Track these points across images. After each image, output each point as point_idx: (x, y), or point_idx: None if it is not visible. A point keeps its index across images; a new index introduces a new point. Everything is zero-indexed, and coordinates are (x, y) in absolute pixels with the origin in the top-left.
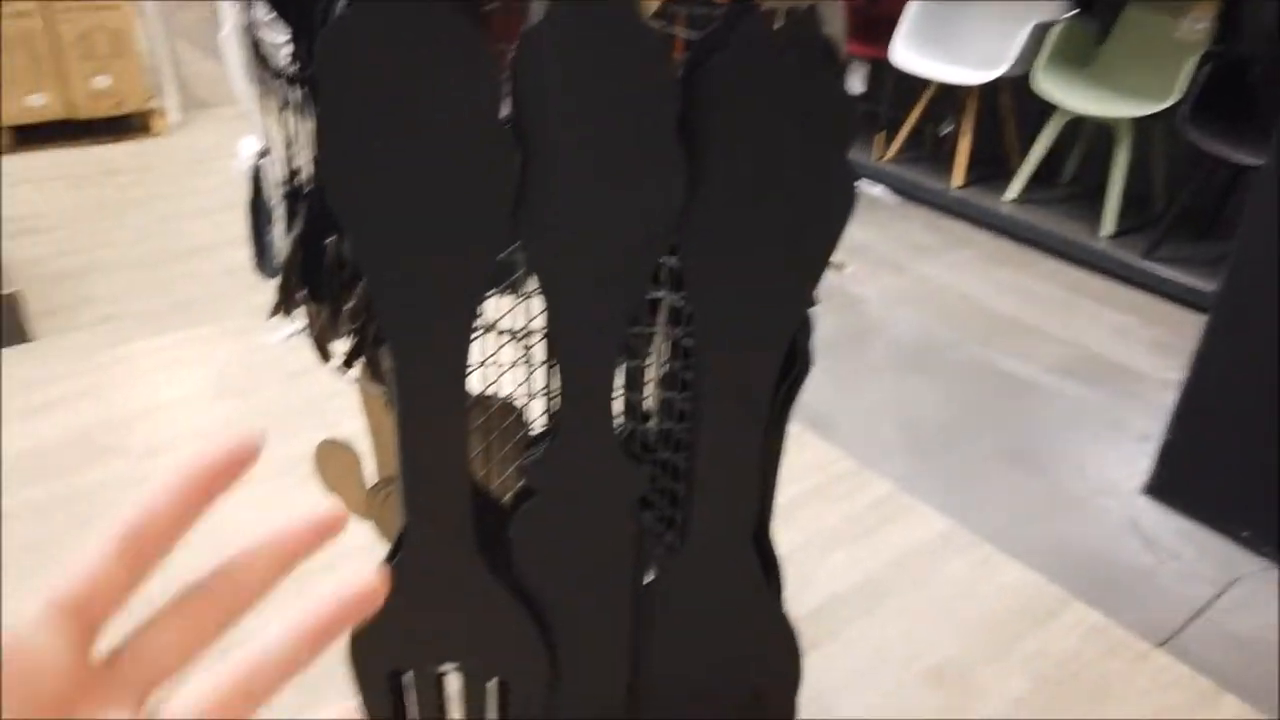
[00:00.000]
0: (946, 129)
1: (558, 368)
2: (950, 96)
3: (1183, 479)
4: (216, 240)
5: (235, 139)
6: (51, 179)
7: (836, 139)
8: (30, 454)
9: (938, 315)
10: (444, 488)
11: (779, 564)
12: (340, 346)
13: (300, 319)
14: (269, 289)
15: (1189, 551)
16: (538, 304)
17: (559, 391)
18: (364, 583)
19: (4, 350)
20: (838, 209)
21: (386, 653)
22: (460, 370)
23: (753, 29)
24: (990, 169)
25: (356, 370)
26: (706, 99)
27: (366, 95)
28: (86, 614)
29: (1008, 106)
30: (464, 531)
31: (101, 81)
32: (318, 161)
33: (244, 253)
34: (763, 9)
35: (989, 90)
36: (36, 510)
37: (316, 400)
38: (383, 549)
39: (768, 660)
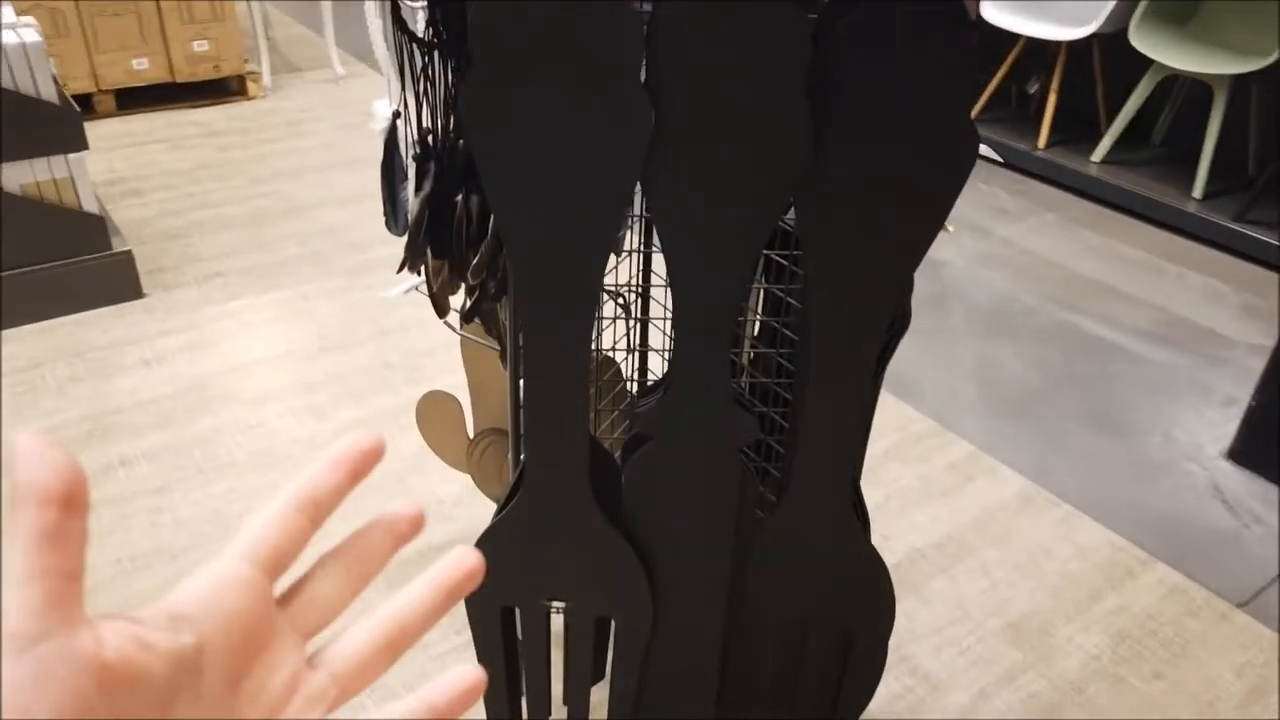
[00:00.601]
0: (1033, 87)
1: (671, 320)
2: (1038, 53)
3: (1268, 444)
4: (313, 201)
5: (326, 102)
6: (153, 141)
7: (960, 94)
8: (148, 402)
9: (1021, 278)
10: (563, 432)
11: (867, 513)
12: (457, 302)
13: (419, 276)
14: (365, 249)
15: (1271, 516)
16: (636, 262)
17: (675, 343)
18: (469, 560)
19: (118, 305)
20: (959, 162)
21: (501, 590)
22: (586, 321)
23: None
24: (1077, 129)
25: (464, 326)
26: (836, 56)
27: (516, 56)
28: (271, 563)
29: (1098, 64)
30: (580, 474)
31: (200, 46)
32: (461, 113)
33: (341, 213)
34: None
35: (1079, 47)
36: (156, 455)
37: (411, 356)
38: (478, 499)
39: (862, 602)
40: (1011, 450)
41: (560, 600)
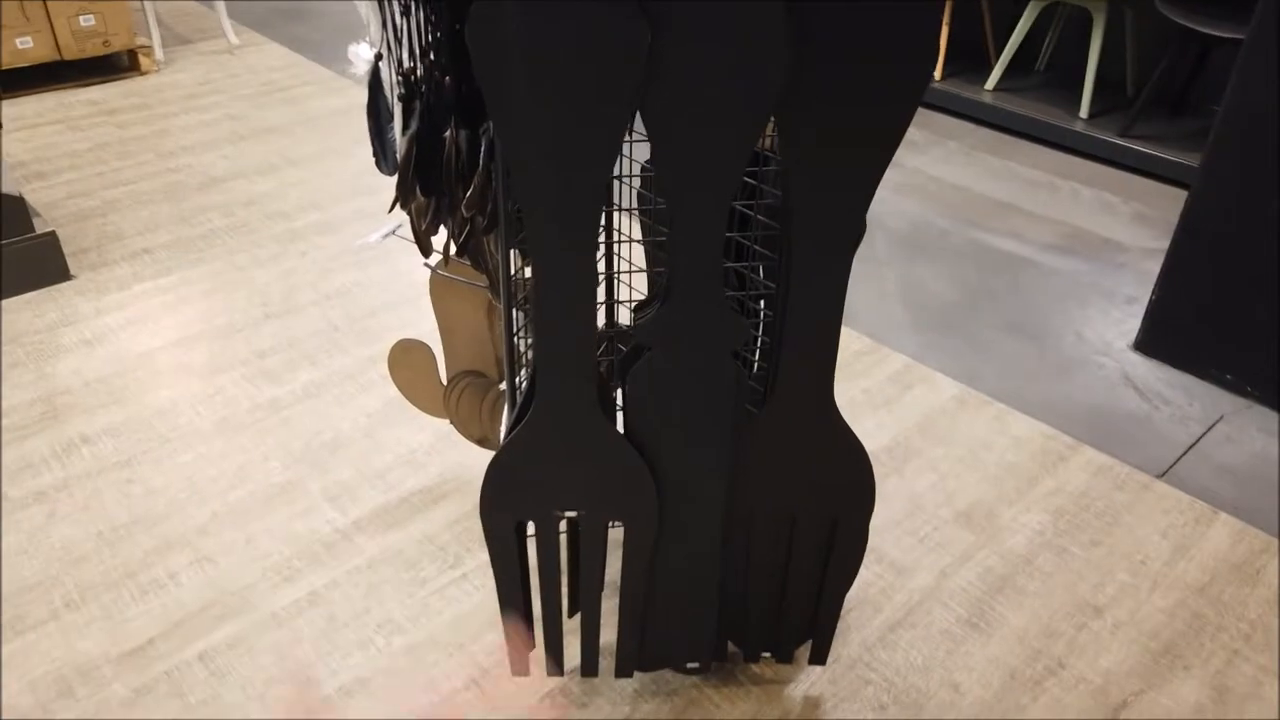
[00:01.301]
0: None
1: (669, 229)
2: None
3: (1168, 334)
4: (228, 172)
5: (224, 74)
6: (48, 123)
7: (924, 12)
8: (96, 382)
9: (932, 204)
10: (573, 346)
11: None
12: (439, 242)
13: (395, 222)
14: (291, 217)
15: (1178, 397)
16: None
17: (669, 254)
18: None
19: (47, 289)
20: (922, 67)
21: (517, 504)
22: (592, 235)
23: None
24: (969, 61)
25: (448, 265)
26: None
27: None
28: None
29: None
30: (589, 385)
31: (86, 21)
32: (468, 45)
33: (261, 183)
34: None
35: None
36: (117, 431)
37: (356, 318)
38: (450, 446)
39: (846, 488)
40: (942, 359)
41: (572, 510)
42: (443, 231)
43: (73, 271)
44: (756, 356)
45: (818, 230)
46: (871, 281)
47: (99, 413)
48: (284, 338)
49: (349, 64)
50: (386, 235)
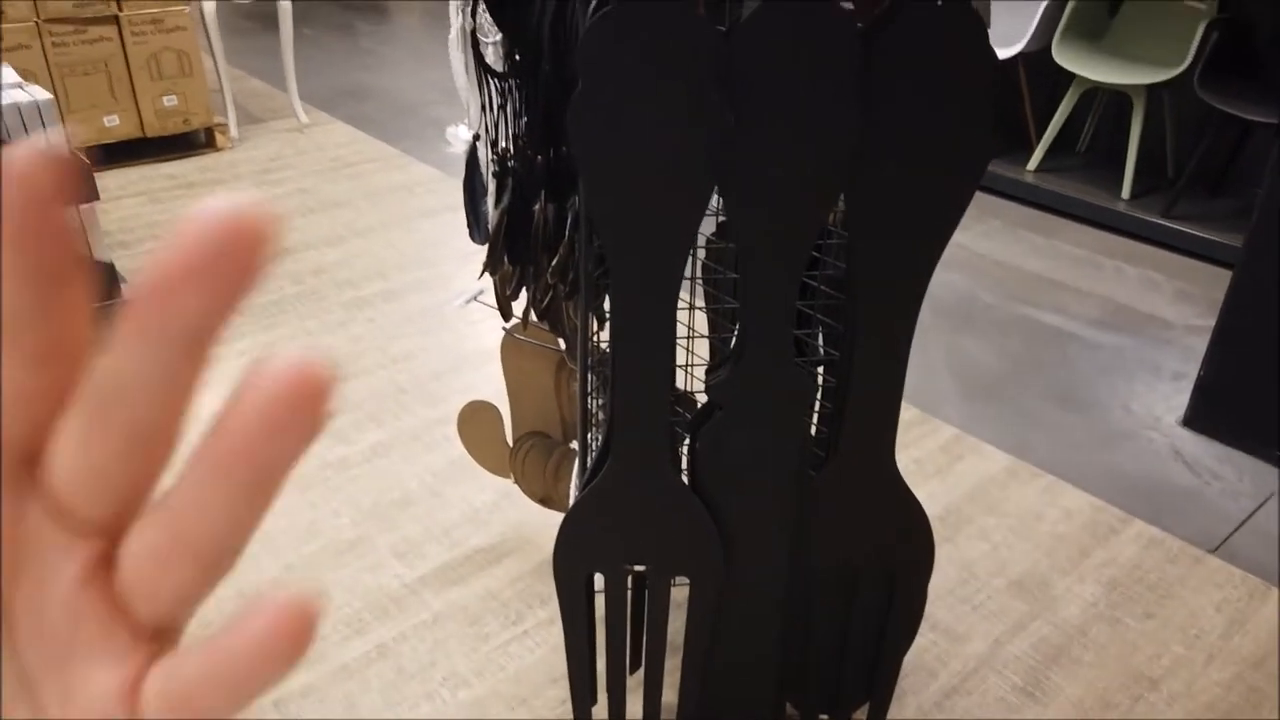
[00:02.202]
0: None
1: (742, 293)
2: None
3: (1217, 410)
4: (299, 243)
5: (294, 150)
6: (131, 195)
7: (983, 94)
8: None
9: (977, 278)
10: (649, 405)
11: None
12: (518, 308)
13: (477, 287)
14: (358, 285)
15: (1228, 472)
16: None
17: (742, 317)
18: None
19: None
20: (982, 152)
21: (587, 557)
22: (672, 302)
23: (919, 6)
24: (1010, 141)
25: (525, 329)
26: (880, 63)
27: (617, 73)
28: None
29: (1024, 81)
30: (663, 440)
31: (169, 101)
32: (570, 126)
33: (329, 253)
34: None
35: (1005, 66)
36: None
37: (421, 380)
38: (512, 505)
39: (906, 547)
40: (991, 430)
41: (641, 564)
42: (522, 297)
43: None
44: (815, 420)
45: (881, 299)
46: (918, 352)
47: (175, 466)
48: (352, 399)
49: (447, 144)
50: (470, 300)
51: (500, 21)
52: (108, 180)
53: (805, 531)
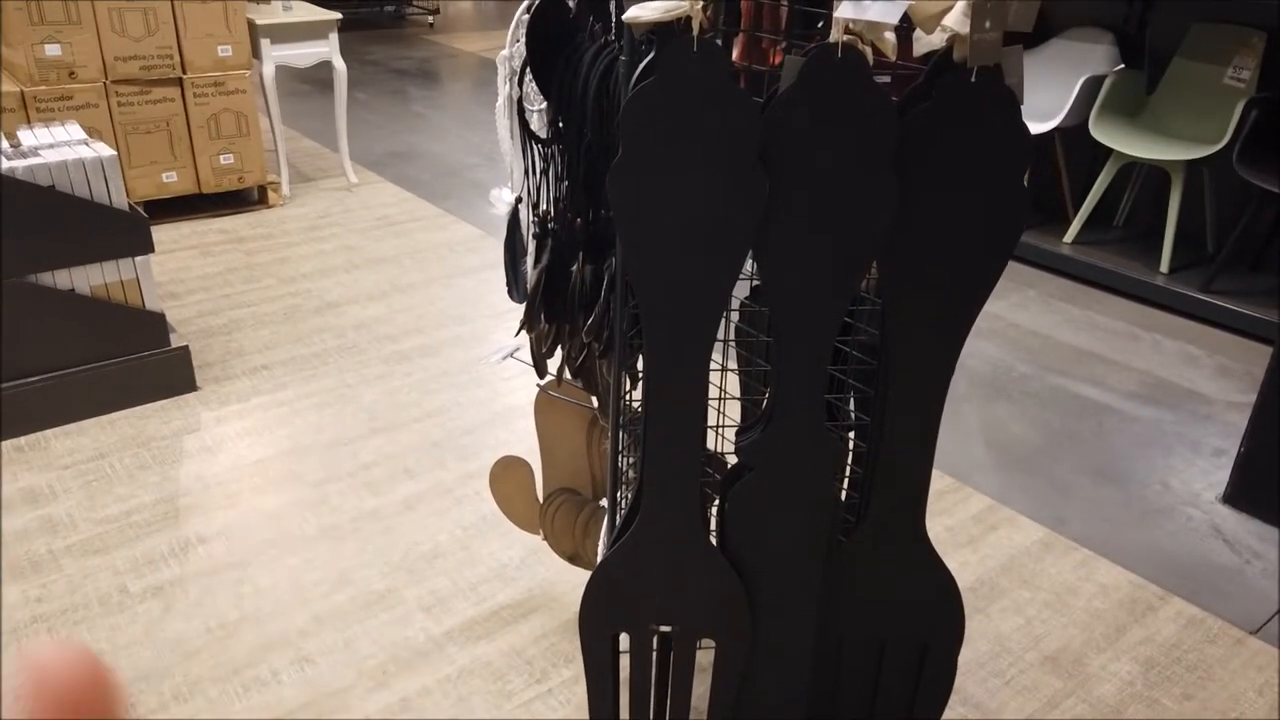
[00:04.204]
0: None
1: (776, 359)
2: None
3: (1258, 488)
4: (342, 298)
5: (342, 209)
6: (184, 248)
7: (1016, 169)
8: (215, 485)
9: (1012, 349)
10: (680, 465)
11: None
12: (553, 365)
13: (514, 345)
14: (398, 340)
15: (1270, 552)
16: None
17: (776, 381)
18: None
19: (175, 398)
20: (1014, 226)
21: (614, 616)
22: (704, 364)
23: (952, 82)
24: (1047, 214)
25: (560, 386)
26: (914, 138)
27: (656, 144)
28: None
29: (1061, 155)
30: (693, 500)
31: (226, 159)
32: (609, 192)
33: (371, 308)
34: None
35: (1043, 141)
36: (230, 532)
37: (456, 435)
38: (540, 562)
39: (935, 617)
40: (1026, 501)
41: (668, 624)
42: (557, 355)
43: (199, 383)
44: (846, 485)
45: (913, 366)
46: (953, 421)
47: (215, 515)
48: (387, 451)
49: (491, 205)
50: (507, 356)
51: (546, 91)
52: (163, 234)
53: (834, 597)
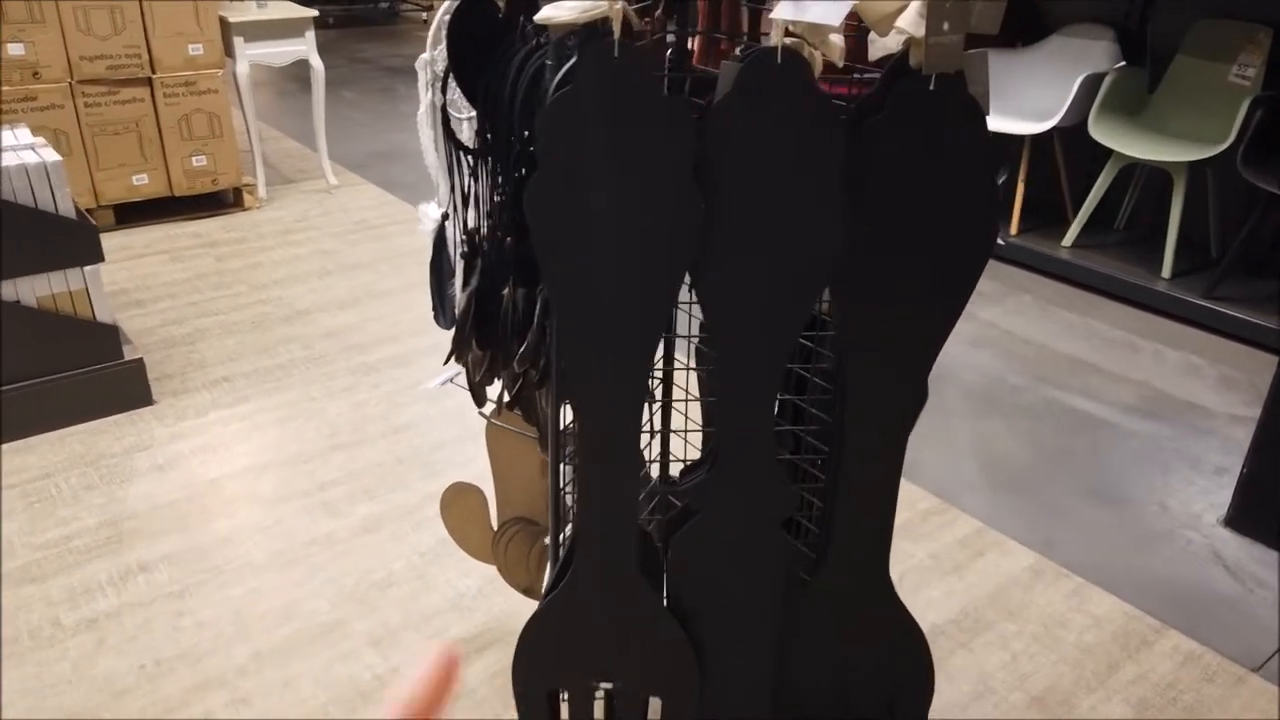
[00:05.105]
0: (1001, 177)
1: (718, 395)
2: (1002, 146)
3: (1262, 511)
4: (312, 305)
5: (320, 211)
6: (152, 253)
7: (981, 184)
8: (164, 506)
9: (1005, 358)
10: (614, 512)
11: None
12: (493, 392)
13: (457, 367)
14: (367, 350)
15: (1273, 579)
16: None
17: (719, 420)
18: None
19: (129, 412)
20: (981, 245)
21: (549, 672)
22: (638, 401)
23: (908, 90)
24: (1044, 217)
25: (502, 414)
26: (866, 152)
27: (578, 155)
28: None
29: (1060, 155)
30: (629, 549)
31: (198, 161)
32: (526, 209)
33: (341, 316)
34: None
35: (1041, 140)
36: (175, 559)
37: (422, 452)
38: (497, 592)
39: (901, 671)
40: (1016, 524)
41: (608, 681)
42: (498, 381)
43: (155, 397)
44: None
45: (873, 399)
46: (940, 436)
47: (161, 539)
48: (348, 469)
49: (419, 222)
50: (445, 382)
51: (471, 97)
52: (134, 238)
53: (790, 649)
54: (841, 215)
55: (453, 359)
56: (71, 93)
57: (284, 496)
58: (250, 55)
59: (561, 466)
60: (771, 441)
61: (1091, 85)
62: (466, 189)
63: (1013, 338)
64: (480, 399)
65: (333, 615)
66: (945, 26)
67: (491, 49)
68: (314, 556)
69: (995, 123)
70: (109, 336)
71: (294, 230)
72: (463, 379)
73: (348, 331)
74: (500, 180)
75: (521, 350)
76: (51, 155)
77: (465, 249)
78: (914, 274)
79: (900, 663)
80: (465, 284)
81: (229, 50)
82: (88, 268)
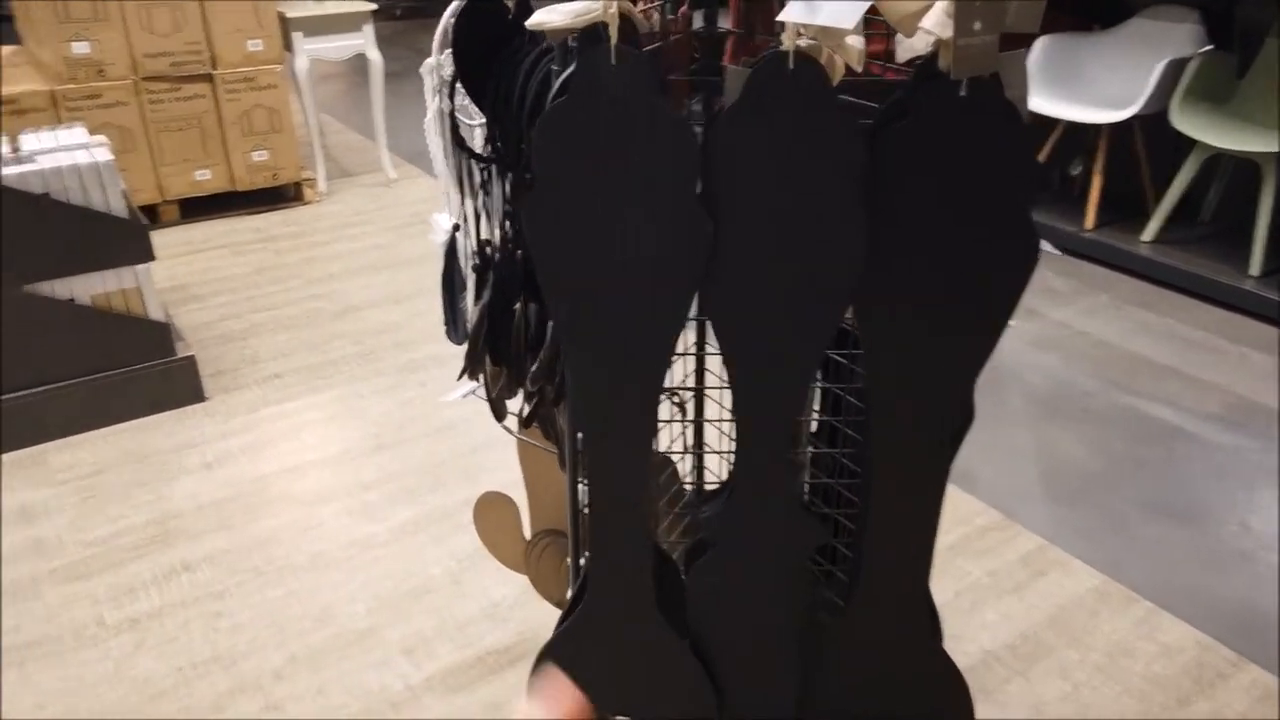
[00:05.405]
0: (1076, 169)
1: (735, 424)
2: (1078, 136)
3: None
4: (364, 301)
5: (377, 205)
6: (213, 248)
7: (1019, 198)
8: (209, 506)
9: (1076, 361)
10: (626, 541)
11: (938, 615)
12: (515, 405)
13: (477, 381)
14: (415, 348)
15: None
16: (691, 361)
17: (737, 449)
18: None
19: (181, 409)
20: (1020, 266)
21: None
22: (647, 429)
23: (936, 95)
24: (1123, 210)
25: (522, 430)
26: (889, 163)
27: (576, 171)
28: None
29: (1141, 145)
30: (644, 582)
31: (259, 156)
32: (524, 229)
33: (393, 312)
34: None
35: (1120, 129)
36: (216, 559)
37: (463, 454)
38: (534, 601)
39: (938, 713)
40: (1082, 541)
41: (624, 715)
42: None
43: (207, 393)
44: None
45: (905, 422)
46: (1002, 445)
47: (205, 539)
48: (389, 470)
49: (431, 232)
50: (467, 395)
51: (479, 104)
52: (195, 233)
53: (815, 690)
54: (863, 229)
55: (463, 376)
56: (135, 90)
57: (326, 497)
58: (309, 50)
59: (580, 486)
60: (790, 472)
61: (1174, 71)
62: (477, 199)
63: (1085, 339)
64: (500, 413)
65: (368, 621)
66: (976, 26)
67: (499, 51)
68: (352, 559)
69: (1071, 110)
70: (161, 334)
71: (351, 224)
72: (483, 392)
73: (397, 328)
74: (510, 190)
75: (534, 368)
76: (104, 155)
77: (477, 261)
78: (944, 293)
79: (938, 705)
80: (477, 298)
81: (288, 45)
82: (139, 266)
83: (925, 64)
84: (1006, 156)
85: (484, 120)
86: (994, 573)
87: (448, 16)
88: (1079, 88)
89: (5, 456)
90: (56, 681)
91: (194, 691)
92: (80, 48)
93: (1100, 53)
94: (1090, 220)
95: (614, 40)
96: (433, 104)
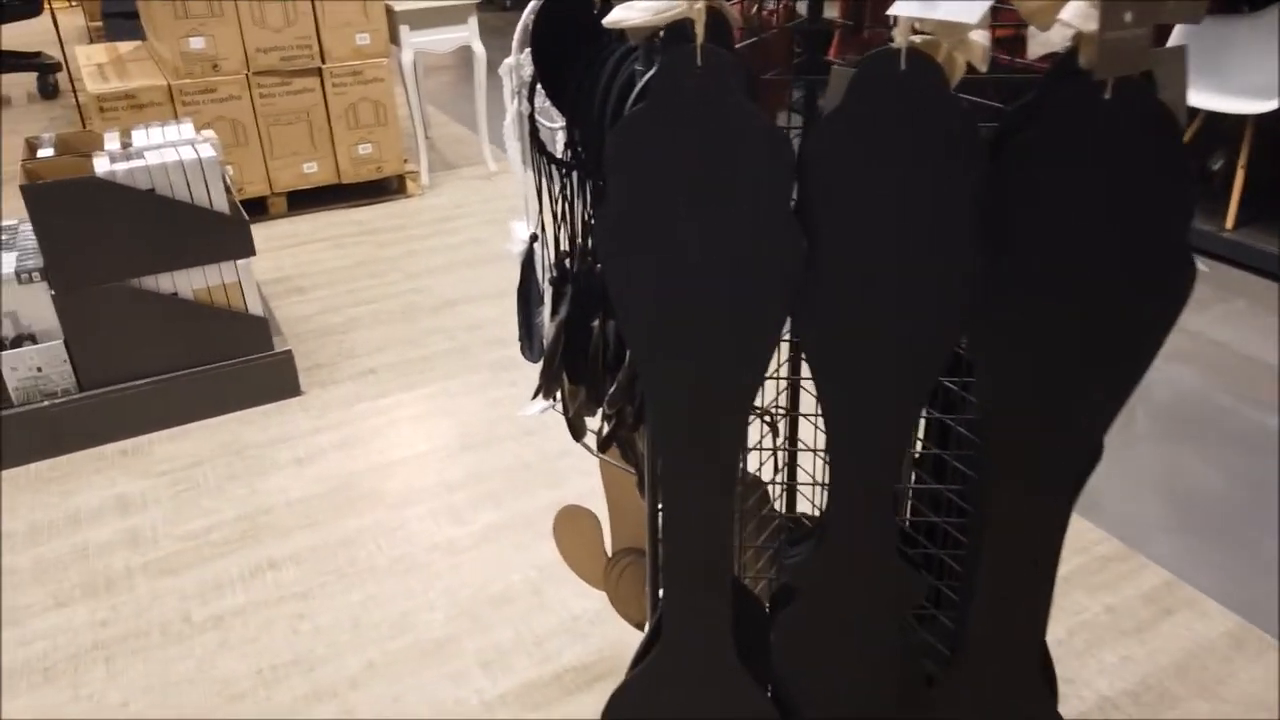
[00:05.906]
0: (1217, 164)
1: (830, 461)
2: (1219, 128)
3: None
4: (460, 296)
5: (478, 198)
6: (318, 240)
7: (1173, 220)
8: (298, 503)
9: (1211, 375)
10: (705, 584)
11: (1052, 666)
12: (594, 423)
13: (552, 400)
14: (508, 344)
15: None
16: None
17: (831, 490)
18: None
19: (277, 403)
20: (1172, 296)
21: None
22: (730, 464)
23: (1075, 98)
24: (1269, 209)
25: (597, 448)
26: (1017, 176)
27: (655, 183)
28: None
29: None
30: (723, 631)
31: (364, 149)
32: (598, 245)
33: (487, 308)
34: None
35: (1267, 121)
36: (302, 558)
37: (550, 458)
38: (615, 617)
39: None
40: (1214, 578)
41: None
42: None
43: (304, 387)
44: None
45: (1029, 460)
46: (1127, 466)
47: (292, 536)
48: (476, 472)
49: (509, 241)
50: (544, 410)
51: (560, 106)
52: (301, 225)
53: None
54: (978, 250)
55: (537, 396)
56: (248, 84)
57: (411, 498)
58: (415, 43)
59: (660, 515)
60: (890, 518)
61: None
62: (557, 207)
63: (1222, 350)
64: (578, 432)
65: (446, 630)
66: (1127, 17)
67: (582, 51)
68: (434, 564)
69: (1213, 100)
70: (259, 328)
71: (451, 217)
72: (560, 408)
73: (491, 324)
74: (591, 198)
75: (613, 390)
76: (208, 151)
77: (555, 274)
78: (1081, 324)
79: None
80: (554, 313)
81: (394, 38)
82: (240, 261)
83: (1063, 60)
84: (1159, 171)
85: (565, 123)
86: (1113, 609)
87: (528, 13)
88: (1221, 75)
89: (110, 446)
90: (140, 678)
91: (272, 695)
92: (196, 43)
93: (1246, 37)
94: (1230, 219)
95: (700, 38)
96: (512, 106)
